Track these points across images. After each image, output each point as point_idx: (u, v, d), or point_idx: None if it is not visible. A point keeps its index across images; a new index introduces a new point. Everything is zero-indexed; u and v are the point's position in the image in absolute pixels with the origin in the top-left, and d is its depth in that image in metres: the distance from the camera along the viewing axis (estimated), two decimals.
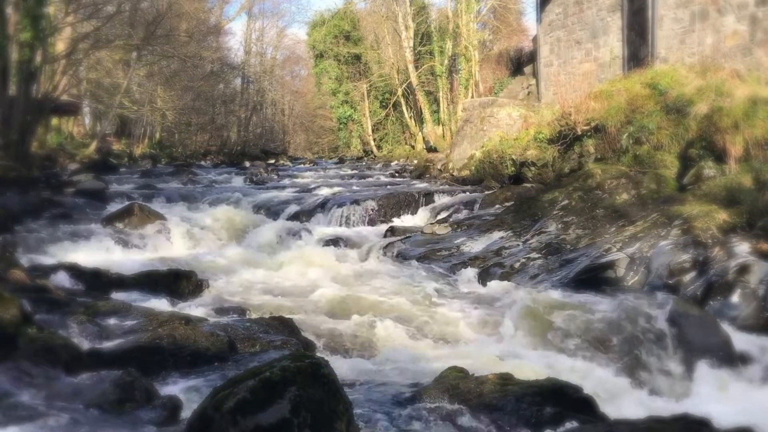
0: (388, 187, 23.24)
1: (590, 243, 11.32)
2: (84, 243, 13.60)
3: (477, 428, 5.06)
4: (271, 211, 18.68)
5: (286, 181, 29.14)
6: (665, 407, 6.32)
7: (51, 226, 14.72)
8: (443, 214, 17.30)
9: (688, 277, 9.37)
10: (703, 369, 7.16)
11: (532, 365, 7.03)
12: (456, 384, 5.59)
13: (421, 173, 29.27)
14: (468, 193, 19.56)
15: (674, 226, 10.36)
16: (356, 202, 18.57)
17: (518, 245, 12.49)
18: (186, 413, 4.93)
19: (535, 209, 13.97)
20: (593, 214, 12.41)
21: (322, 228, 17.16)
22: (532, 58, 33.94)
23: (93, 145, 35.13)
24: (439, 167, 28.36)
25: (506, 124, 23.39)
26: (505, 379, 5.60)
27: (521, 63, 37.52)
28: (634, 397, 6.68)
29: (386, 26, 51.43)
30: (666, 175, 12.99)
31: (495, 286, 10.70)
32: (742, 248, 9.41)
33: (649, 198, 12.19)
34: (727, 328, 7.98)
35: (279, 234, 15.91)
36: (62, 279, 9.71)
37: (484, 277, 11.25)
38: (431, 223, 16.03)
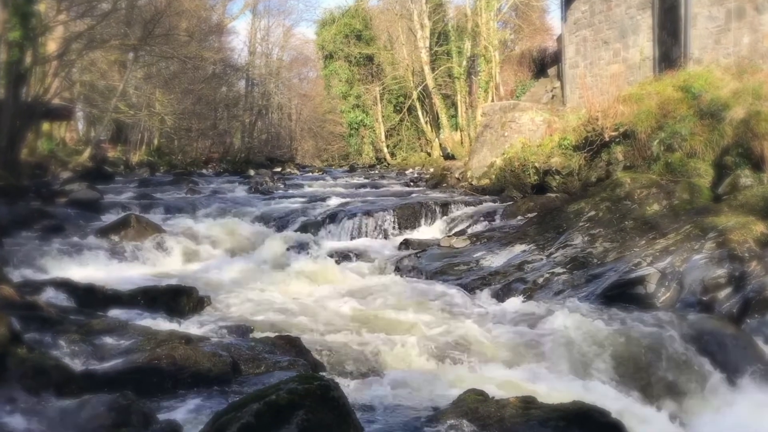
0: (403, 197, 23.23)
1: (619, 257, 11.30)
2: (77, 257, 13.62)
3: None
4: (278, 222, 18.71)
5: (294, 191, 29.17)
6: None
7: (42, 239, 14.76)
8: (461, 226, 17.31)
9: (723, 294, 9.34)
10: (740, 392, 7.16)
11: (557, 388, 7.03)
12: (475, 408, 5.59)
13: (437, 182, 29.30)
14: (488, 203, 19.56)
15: (708, 239, 10.33)
16: (368, 213, 18.60)
17: (542, 259, 12.48)
18: None
19: (559, 221, 13.96)
20: (622, 225, 12.40)
21: (332, 241, 17.21)
22: (556, 59, 33.95)
23: (87, 152, 35.27)
24: (457, 176, 28.36)
25: (529, 130, 23.37)
26: (528, 402, 5.59)
27: (545, 64, 37.53)
28: (666, 421, 6.67)
29: (400, 25, 51.57)
30: (700, 184, 12.97)
31: (517, 303, 10.65)
32: None
33: (681, 209, 12.17)
34: (764, 348, 7.97)
35: (286, 247, 15.91)
36: (54, 295, 9.66)
37: (505, 294, 11.22)
38: (448, 236, 16.03)
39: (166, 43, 37.83)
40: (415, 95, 51.31)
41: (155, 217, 18.34)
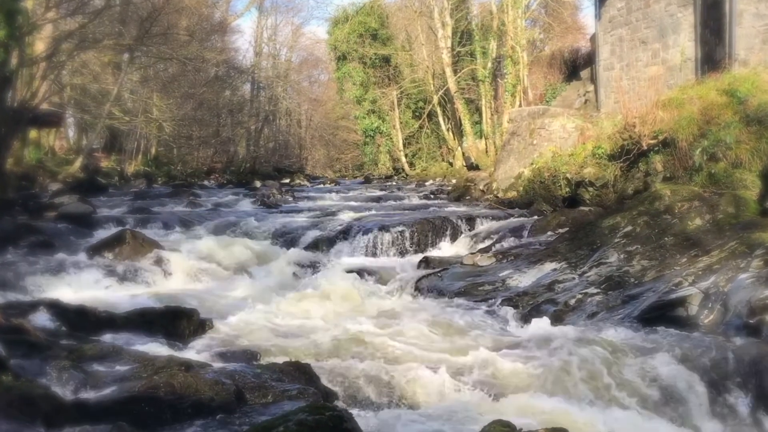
0: (422, 211, 23.23)
1: (658, 276, 11.27)
2: (67, 276, 13.66)
3: None
4: (286, 238, 18.72)
5: (304, 204, 29.25)
6: None
7: (29, 257, 14.81)
8: (486, 243, 17.28)
9: None
10: None
11: (589, 418, 7.03)
12: None
13: (460, 195, 29.33)
14: (515, 217, 19.57)
15: (755, 257, 10.28)
16: (385, 228, 18.60)
17: (574, 279, 12.46)
18: None
19: (593, 237, 13.93)
20: (661, 242, 12.36)
21: (345, 259, 17.20)
22: (589, 60, 33.97)
23: (78, 162, 35.34)
24: (481, 188, 28.40)
25: (560, 138, 23.37)
26: None
27: (577, 66, 37.53)
28: None
29: (420, 23, 51.59)
30: (746, 196, 12.91)
31: (546, 326, 10.63)
32: None
33: (726, 223, 12.11)
34: None
35: (295, 265, 15.94)
36: (42, 318, 9.69)
37: (533, 316, 11.19)
38: (472, 253, 16.02)
39: (164, 43, 37.82)
40: (435, 100, 51.26)
41: (153, 232, 18.37)
